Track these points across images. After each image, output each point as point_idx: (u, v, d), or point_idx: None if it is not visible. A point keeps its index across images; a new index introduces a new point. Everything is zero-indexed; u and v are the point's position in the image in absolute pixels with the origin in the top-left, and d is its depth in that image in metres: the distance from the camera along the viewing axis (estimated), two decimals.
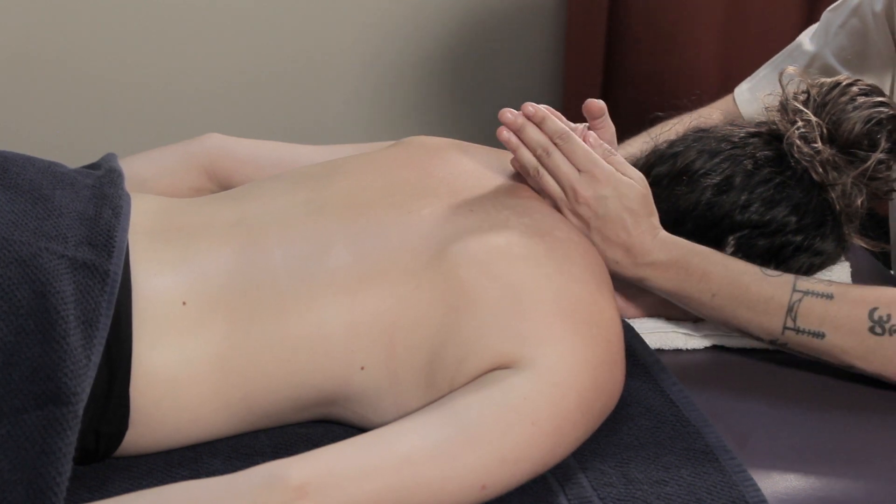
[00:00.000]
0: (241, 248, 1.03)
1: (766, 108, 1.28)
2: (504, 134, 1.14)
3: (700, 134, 1.28)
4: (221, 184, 1.33)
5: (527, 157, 1.14)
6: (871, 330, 1.10)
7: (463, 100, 2.36)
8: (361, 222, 1.05)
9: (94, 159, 1.20)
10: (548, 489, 0.98)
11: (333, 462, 0.89)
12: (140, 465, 0.99)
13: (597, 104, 1.17)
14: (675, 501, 0.96)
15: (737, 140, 1.25)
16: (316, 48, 2.26)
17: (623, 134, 1.51)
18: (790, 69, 1.28)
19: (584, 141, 1.13)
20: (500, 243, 1.03)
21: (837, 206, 1.22)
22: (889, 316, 1.10)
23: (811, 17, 1.69)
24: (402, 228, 1.05)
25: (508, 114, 1.14)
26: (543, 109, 1.13)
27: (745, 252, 1.19)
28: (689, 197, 1.22)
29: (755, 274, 1.13)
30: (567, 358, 0.97)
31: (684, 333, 1.26)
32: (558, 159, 1.12)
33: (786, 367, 1.20)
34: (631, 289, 1.25)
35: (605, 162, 1.12)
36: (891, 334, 1.10)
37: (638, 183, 1.13)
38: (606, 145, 1.14)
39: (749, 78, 1.56)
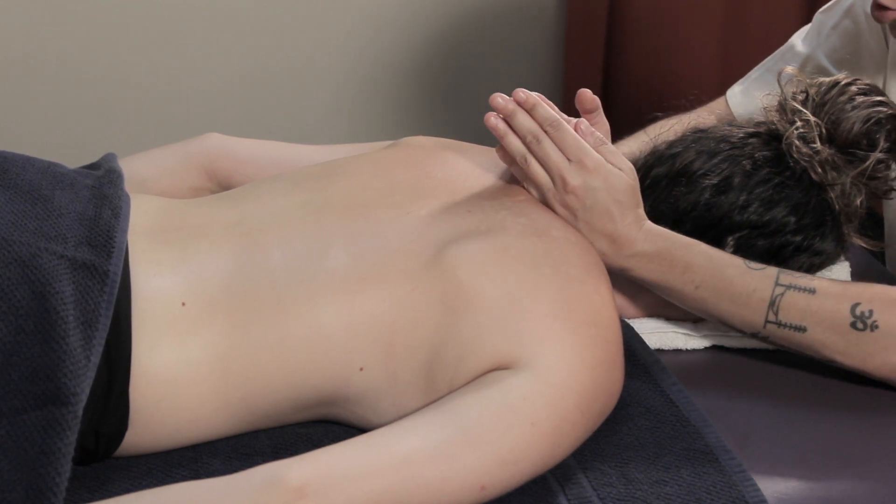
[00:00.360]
0: (240, 249, 1.03)
1: (765, 108, 1.28)
2: (492, 120, 1.12)
3: (699, 135, 1.28)
4: (221, 184, 1.33)
5: (515, 144, 1.12)
6: (853, 325, 1.11)
7: (463, 100, 2.36)
8: (360, 223, 1.05)
9: (94, 159, 1.20)
10: (548, 489, 0.98)
11: (333, 463, 0.89)
12: (140, 465, 0.99)
13: (590, 96, 1.15)
14: (675, 501, 0.96)
15: (735, 140, 1.24)
16: (316, 48, 2.26)
17: (623, 134, 1.51)
18: (788, 69, 1.28)
19: (575, 130, 1.11)
20: (498, 244, 1.02)
21: (837, 206, 1.22)
22: (871, 312, 1.10)
23: (811, 17, 1.69)
24: (400, 229, 1.05)
25: (499, 98, 1.11)
26: (535, 96, 1.11)
27: (745, 252, 1.19)
28: (688, 197, 1.22)
29: (739, 267, 1.14)
30: (566, 358, 0.97)
31: (684, 333, 1.26)
32: (548, 147, 1.10)
33: (786, 367, 1.20)
34: (631, 289, 1.25)
35: (595, 151, 1.10)
36: (872, 330, 1.10)
37: (627, 174, 1.11)
38: (598, 133, 1.12)
39: (741, 80, 1.56)
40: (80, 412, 0.88)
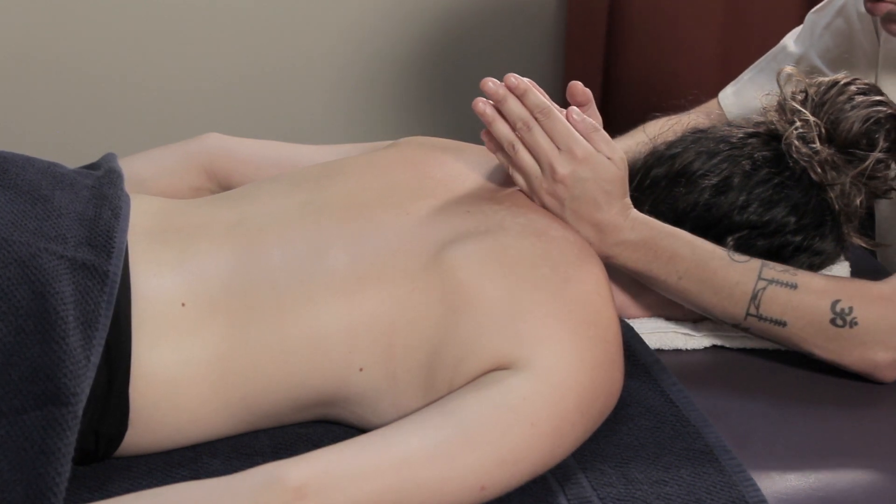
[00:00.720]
0: (239, 249, 1.03)
1: (764, 107, 1.28)
2: (480, 105, 1.10)
3: (698, 135, 1.28)
4: (221, 183, 1.33)
5: (504, 130, 1.10)
6: (833, 322, 1.12)
7: (462, 100, 2.35)
8: (360, 223, 1.05)
9: (94, 159, 1.20)
10: (548, 489, 0.98)
11: (333, 463, 0.89)
12: (140, 465, 0.99)
13: (581, 89, 1.13)
14: (675, 501, 0.96)
15: (735, 141, 1.24)
16: (315, 48, 2.26)
17: (622, 134, 1.51)
18: (788, 68, 1.28)
19: (566, 118, 1.10)
20: (497, 244, 1.02)
21: (836, 206, 1.22)
22: (851, 308, 1.11)
23: None
24: (400, 230, 1.05)
25: (490, 83, 1.09)
26: (526, 81, 1.09)
27: (745, 252, 1.19)
28: (687, 198, 1.22)
29: (722, 259, 1.14)
30: (565, 358, 0.97)
31: (684, 333, 1.27)
32: (538, 135, 1.09)
33: (786, 367, 1.20)
34: (631, 289, 1.25)
35: (584, 140, 1.09)
36: (851, 327, 1.11)
37: (616, 163, 1.10)
38: (590, 120, 1.10)
39: (733, 82, 1.56)
40: (80, 412, 0.88)
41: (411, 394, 1.00)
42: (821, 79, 1.24)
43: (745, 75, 1.56)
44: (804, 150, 1.20)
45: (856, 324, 1.11)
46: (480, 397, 0.94)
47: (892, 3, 1.20)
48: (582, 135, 1.09)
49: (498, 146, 1.12)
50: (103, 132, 2.20)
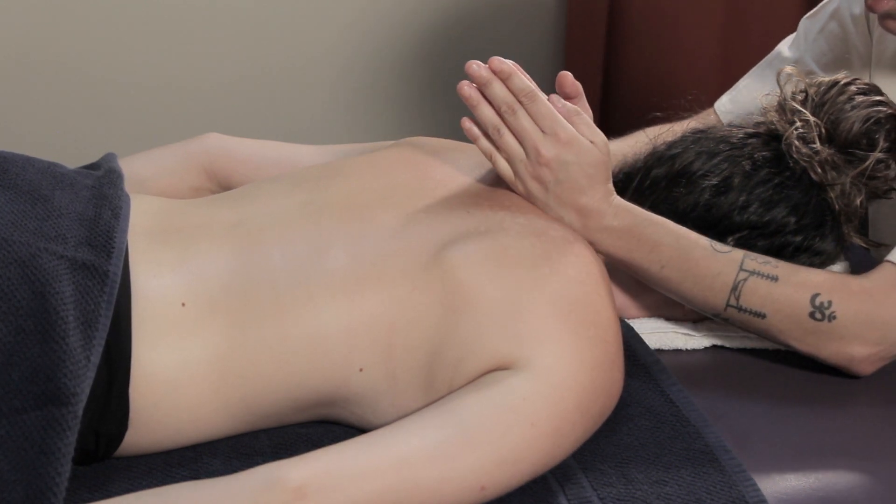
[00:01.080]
0: (240, 250, 1.03)
1: (765, 108, 1.28)
2: (466, 89, 1.10)
3: (698, 135, 1.28)
4: (221, 184, 1.33)
5: (488, 114, 1.09)
6: (812, 315, 1.12)
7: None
8: (360, 224, 1.05)
9: (94, 159, 1.20)
10: (548, 489, 0.98)
11: (333, 463, 0.89)
12: (140, 465, 0.99)
13: (570, 80, 1.13)
14: (675, 501, 0.96)
15: (735, 141, 1.24)
16: (315, 48, 2.26)
17: (622, 134, 1.51)
18: (788, 69, 1.28)
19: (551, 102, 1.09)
20: (497, 245, 1.02)
21: (836, 206, 1.22)
22: (830, 302, 1.12)
23: None
24: (400, 230, 1.05)
25: (475, 66, 1.09)
26: (510, 65, 1.09)
27: None
28: (687, 198, 1.22)
29: (705, 248, 1.14)
30: (565, 359, 0.97)
31: (684, 333, 1.27)
32: (523, 118, 1.08)
33: (786, 367, 1.21)
34: (631, 289, 1.25)
35: (569, 124, 1.09)
36: (829, 320, 1.12)
37: (599, 148, 1.10)
38: (572, 105, 1.10)
39: (730, 90, 1.56)
40: (80, 412, 0.88)
41: (411, 394, 1.00)
42: (821, 79, 1.25)
43: (741, 83, 1.56)
44: (804, 150, 1.20)
45: (834, 318, 1.12)
46: (481, 397, 0.94)
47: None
48: (566, 119, 1.09)
49: (478, 135, 1.11)
50: (103, 132, 2.20)
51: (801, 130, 1.21)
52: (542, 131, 1.08)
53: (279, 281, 1.01)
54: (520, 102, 1.08)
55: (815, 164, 1.21)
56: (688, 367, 1.22)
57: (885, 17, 1.24)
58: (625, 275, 1.20)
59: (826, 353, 1.15)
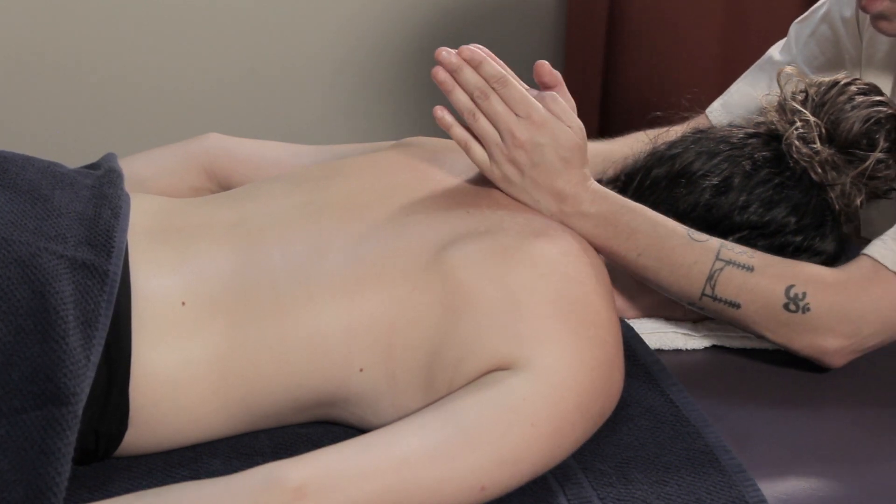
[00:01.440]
0: (240, 249, 1.03)
1: (765, 108, 1.28)
2: (441, 75, 1.09)
3: (699, 135, 1.28)
4: (221, 184, 1.33)
5: (463, 99, 1.09)
6: (786, 307, 1.12)
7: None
8: (360, 224, 1.05)
9: (94, 159, 1.20)
10: (548, 489, 0.98)
11: (333, 463, 0.89)
12: (140, 465, 0.99)
13: (548, 69, 1.12)
14: (675, 501, 0.96)
15: (735, 141, 1.24)
16: (315, 47, 2.26)
17: (622, 134, 1.51)
18: (788, 69, 1.28)
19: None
20: (497, 244, 1.02)
21: (837, 206, 1.22)
22: (804, 294, 1.12)
23: None
24: (400, 230, 1.05)
25: (444, 52, 1.09)
26: (480, 52, 1.09)
27: None
28: (687, 198, 1.22)
29: (682, 237, 1.14)
30: (565, 359, 0.96)
31: (684, 334, 1.27)
32: (496, 103, 1.08)
33: (786, 367, 1.21)
34: (631, 289, 1.25)
35: (542, 106, 1.09)
36: (803, 312, 1.12)
37: (575, 131, 1.10)
38: (549, 92, 1.10)
39: (721, 96, 1.56)
40: (80, 412, 0.88)
41: (411, 394, 1.00)
42: (821, 79, 1.25)
43: (733, 88, 1.56)
44: (804, 150, 1.20)
45: (808, 310, 1.12)
46: (481, 398, 0.94)
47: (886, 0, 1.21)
48: (541, 104, 1.09)
49: (451, 123, 1.11)
50: (103, 132, 2.20)
51: (801, 130, 1.21)
52: (517, 115, 1.08)
53: (279, 281, 1.01)
54: (492, 88, 1.08)
55: (816, 164, 1.21)
56: (688, 367, 1.22)
57: (877, 18, 1.24)
58: (624, 275, 1.20)
59: (798, 345, 1.15)
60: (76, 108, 2.18)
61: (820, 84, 1.24)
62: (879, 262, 1.14)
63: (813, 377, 1.19)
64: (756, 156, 1.22)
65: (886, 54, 1.39)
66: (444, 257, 1.01)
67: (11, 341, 0.88)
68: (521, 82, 1.10)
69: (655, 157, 1.27)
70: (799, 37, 1.50)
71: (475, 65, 1.08)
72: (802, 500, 1.01)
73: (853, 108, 1.20)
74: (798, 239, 1.21)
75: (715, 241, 1.14)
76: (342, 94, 2.31)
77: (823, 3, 1.49)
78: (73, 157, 1.49)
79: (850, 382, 1.18)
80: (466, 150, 1.11)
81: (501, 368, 0.97)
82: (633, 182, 1.27)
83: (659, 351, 1.24)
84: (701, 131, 1.29)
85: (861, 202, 1.23)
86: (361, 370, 1.00)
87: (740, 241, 1.20)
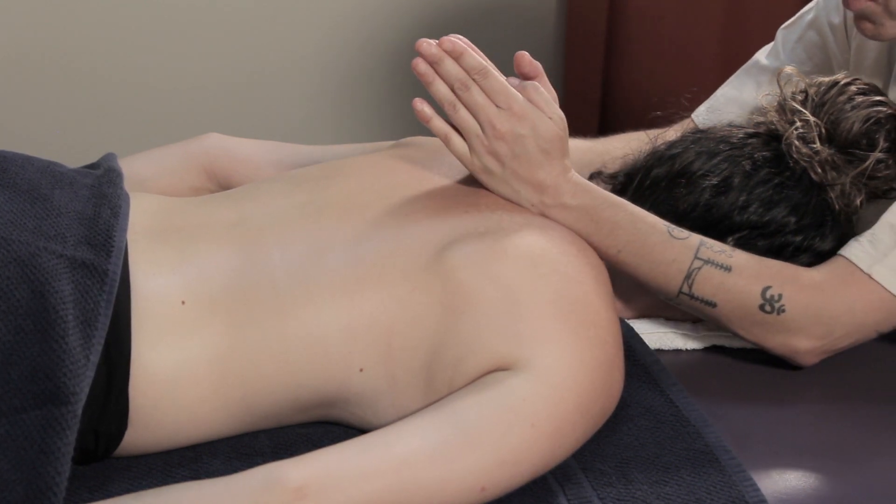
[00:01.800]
0: (239, 249, 1.03)
1: (765, 108, 1.28)
2: (421, 66, 1.09)
3: (699, 135, 1.28)
4: (221, 183, 1.33)
5: (443, 90, 1.08)
6: (761, 307, 1.13)
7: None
8: (359, 224, 1.05)
9: (94, 159, 1.20)
10: (548, 489, 0.98)
11: (333, 463, 0.89)
12: (140, 465, 0.99)
13: (528, 59, 1.11)
14: (675, 501, 0.96)
15: (735, 141, 1.24)
16: (315, 47, 2.26)
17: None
18: (788, 69, 1.28)
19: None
20: (496, 244, 1.02)
21: (837, 206, 1.22)
22: (780, 296, 1.13)
23: None
24: (399, 230, 1.05)
25: (425, 44, 1.08)
26: (461, 44, 1.08)
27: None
28: (687, 198, 1.22)
29: (662, 234, 1.14)
30: (565, 359, 0.96)
31: (684, 334, 1.27)
32: (476, 93, 1.08)
33: (786, 368, 1.20)
34: (630, 289, 1.25)
35: (522, 98, 1.08)
36: (778, 313, 1.13)
37: (556, 123, 1.09)
38: (532, 82, 1.09)
39: (708, 100, 1.56)
40: (80, 411, 0.88)
41: (411, 394, 1.00)
42: (821, 79, 1.25)
43: (719, 92, 1.56)
44: (804, 150, 1.20)
45: (783, 311, 1.13)
46: (481, 398, 0.94)
47: (869, 0, 1.21)
48: (523, 94, 1.08)
49: (430, 115, 1.10)
50: (103, 132, 2.20)
51: (801, 130, 1.21)
52: (497, 106, 1.08)
53: (279, 281, 1.01)
54: (473, 80, 1.08)
55: (815, 164, 1.21)
56: (688, 367, 1.22)
57: (859, 18, 1.24)
58: (623, 276, 1.20)
59: (771, 344, 1.16)
60: (76, 108, 2.18)
61: (820, 84, 1.24)
62: (854, 264, 1.15)
63: (813, 377, 1.19)
64: (756, 156, 1.22)
65: (874, 61, 1.39)
66: (443, 257, 1.01)
67: (11, 341, 0.88)
68: (501, 74, 1.09)
69: (655, 157, 1.27)
70: (786, 42, 1.50)
71: (456, 56, 1.08)
72: (802, 500, 1.01)
73: (853, 107, 1.20)
74: (798, 239, 1.21)
75: (695, 239, 1.15)
76: (342, 94, 2.31)
77: (810, 9, 1.48)
78: (73, 157, 1.48)
79: (850, 382, 1.18)
80: (446, 141, 1.10)
81: (501, 369, 0.97)
82: (632, 182, 1.27)
83: (659, 351, 1.24)
84: (701, 131, 1.29)
85: (861, 202, 1.23)
86: (361, 370, 1.00)
87: (740, 240, 1.20)
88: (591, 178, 1.29)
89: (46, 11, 2.10)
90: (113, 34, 2.15)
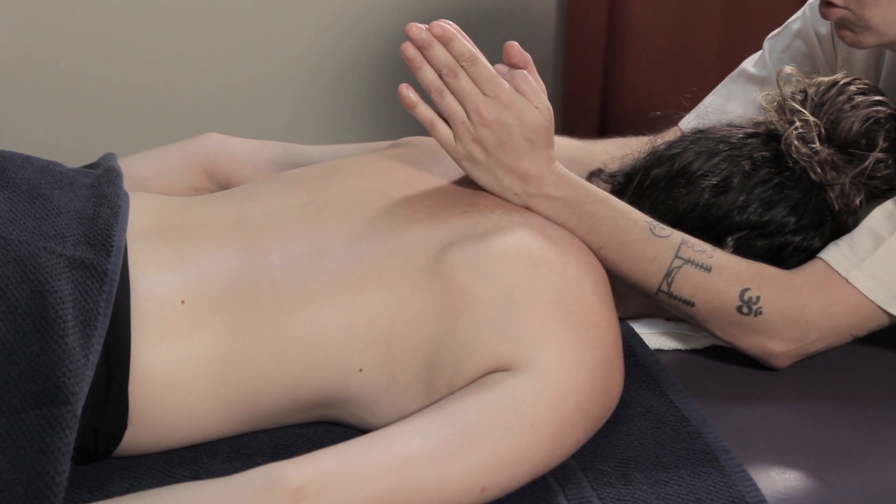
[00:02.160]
0: (239, 249, 1.03)
1: (764, 107, 1.28)
2: (410, 51, 1.09)
3: (698, 135, 1.28)
4: (220, 183, 1.33)
5: (431, 76, 1.08)
6: (738, 309, 1.14)
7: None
8: (359, 224, 1.05)
9: (93, 159, 1.20)
10: (548, 489, 0.98)
11: (333, 464, 0.89)
12: (140, 465, 0.99)
13: (517, 49, 1.10)
14: (674, 501, 0.96)
15: (735, 141, 1.24)
16: (314, 47, 2.26)
17: (621, 135, 1.51)
18: (787, 69, 1.28)
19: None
20: (496, 245, 1.02)
21: (836, 206, 1.22)
22: (758, 297, 1.13)
23: None
24: (399, 231, 1.05)
25: (415, 28, 1.07)
26: (452, 30, 1.08)
27: (745, 252, 1.19)
28: (687, 198, 1.22)
29: (643, 231, 1.14)
30: (565, 360, 0.96)
31: (684, 334, 1.27)
32: (464, 80, 1.07)
33: (786, 368, 1.20)
34: (630, 290, 1.25)
35: (509, 86, 1.07)
36: (755, 316, 1.14)
37: (542, 113, 1.08)
38: (520, 71, 1.09)
39: (695, 108, 1.56)
40: (79, 411, 0.88)
41: (411, 395, 1.00)
42: (820, 79, 1.25)
43: (706, 101, 1.56)
44: (804, 150, 1.20)
45: (761, 313, 1.14)
46: (481, 398, 0.94)
47: (843, 8, 1.21)
48: (510, 83, 1.07)
49: (416, 102, 1.09)
50: (103, 132, 2.20)
51: (800, 130, 1.21)
52: (484, 94, 1.07)
53: (279, 281, 1.01)
54: (461, 66, 1.07)
55: (815, 163, 1.21)
56: (688, 367, 1.22)
57: (839, 27, 1.24)
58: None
59: (746, 345, 1.17)
60: (76, 108, 2.18)
61: (819, 84, 1.24)
62: (832, 268, 1.15)
63: (813, 377, 1.19)
64: (755, 155, 1.22)
65: (863, 72, 1.39)
66: (443, 258, 1.01)
67: (11, 340, 0.88)
68: (488, 63, 1.09)
69: (655, 157, 1.27)
70: (773, 51, 1.50)
71: (445, 41, 1.07)
72: (802, 500, 1.01)
73: (852, 107, 1.20)
74: (797, 239, 1.21)
75: (676, 237, 1.15)
76: (341, 94, 2.31)
77: (797, 19, 1.48)
78: (73, 157, 1.48)
79: (849, 382, 1.18)
80: (431, 128, 1.09)
81: (501, 369, 0.97)
82: (632, 182, 1.27)
83: (659, 351, 1.24)
84: (700, 131, 1.29)
85: (861, 202, 1.22)
86: (361, 370, 1.00)
87: (739, 240, 1.20)
88: (591, 177, 1.29)
89: (46, 12, 2.10)
90: (113, 34, 2.15)
